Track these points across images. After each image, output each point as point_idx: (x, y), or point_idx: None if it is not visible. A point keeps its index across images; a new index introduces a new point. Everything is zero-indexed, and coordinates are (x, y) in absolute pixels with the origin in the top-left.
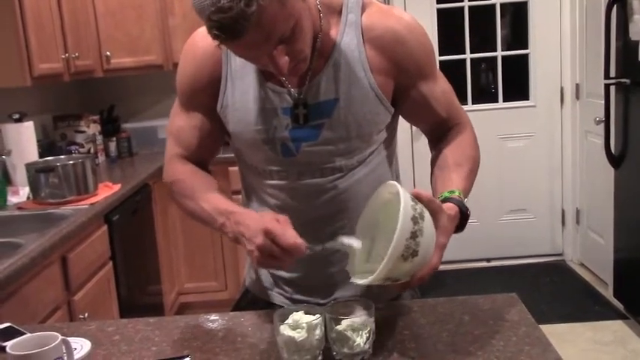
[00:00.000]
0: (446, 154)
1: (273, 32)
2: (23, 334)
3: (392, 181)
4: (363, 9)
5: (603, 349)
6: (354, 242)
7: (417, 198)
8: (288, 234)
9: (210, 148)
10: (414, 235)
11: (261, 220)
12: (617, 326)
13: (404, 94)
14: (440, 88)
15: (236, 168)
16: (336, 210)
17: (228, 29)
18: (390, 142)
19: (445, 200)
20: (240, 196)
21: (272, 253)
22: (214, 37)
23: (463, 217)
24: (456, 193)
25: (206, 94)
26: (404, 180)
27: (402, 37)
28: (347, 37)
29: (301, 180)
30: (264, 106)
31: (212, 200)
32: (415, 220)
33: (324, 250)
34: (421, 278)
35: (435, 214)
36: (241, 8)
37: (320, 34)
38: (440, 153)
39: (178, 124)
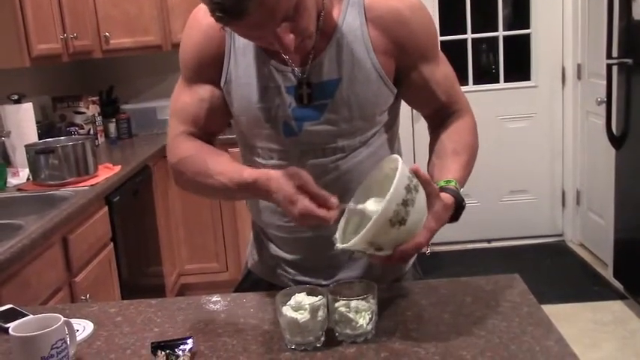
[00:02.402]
0: (444, 142)
1: (276, 10)
2: (25, 315)
3: (394, 155)
4: None
5: (603, 329)
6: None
7: (415, 173)
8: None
9: (217, 122)
10: (405, 203)
11: (288, 179)
12: (617, 306)
13: (405, 76)
14: (442, 71)
15: (237, 149)
16: (337, 191)
17: (230, 10)
18: (392, 124)
19: (441, 190)
20: None
21: (311, 212)
22: (218, 19)
23: (458, 207)
24: (452, 183)
25: (213, 68)
26: (405, 161)
27: (405, 17)
28: (349, 17)
29: (303, 160)
30: (267, 84)
31: (228, 171)
32: (409, 189)
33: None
34: (403, 252)
35: (429, 197)
36: None
37: (322, 13)
38: (438, 139)
39: (183, 101)
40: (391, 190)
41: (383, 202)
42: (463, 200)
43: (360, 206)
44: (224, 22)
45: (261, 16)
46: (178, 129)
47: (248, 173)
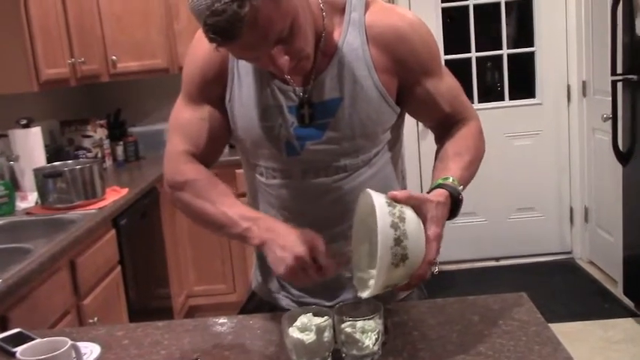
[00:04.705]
0: (447, 147)
1: (269, 32)
2: (33, 339)
3: (367, 190)
4: (367, 7)
5: (613, 347)
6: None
7: (394, 200)
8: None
9: (217, 145)
10: (397, 242)
11: (305, 233)
12: (628, 324)
13: (408, 92)
14: (445, 84)
15: (242, 170)
16: (340, 211)
17: (223, 32)
18: (395, 143)
19: (437, 187)
20: (245, 199)
21: (306, 267)
22: (211, 40)
23: (455, 202)
24: (450, 180)
25: (216, 85)
26: (410, 179)
27: (405, 34)
28: (350, 36)
29: (305, 179)
30: (270, 103)
31: (235, 206)
32: (395, 225)
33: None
34: (420, 276)
35: (418, 207)
36: (234, 10)
37: (323, 34)
38: (442, 147)
39: (185, 118)
40: (379, 237)
41: (377, 255)
42: (459, 194)
43: (365, 244)
44: (217, 43)
45: (254, 38)
46: (180, 146)
47: (256, 211)
